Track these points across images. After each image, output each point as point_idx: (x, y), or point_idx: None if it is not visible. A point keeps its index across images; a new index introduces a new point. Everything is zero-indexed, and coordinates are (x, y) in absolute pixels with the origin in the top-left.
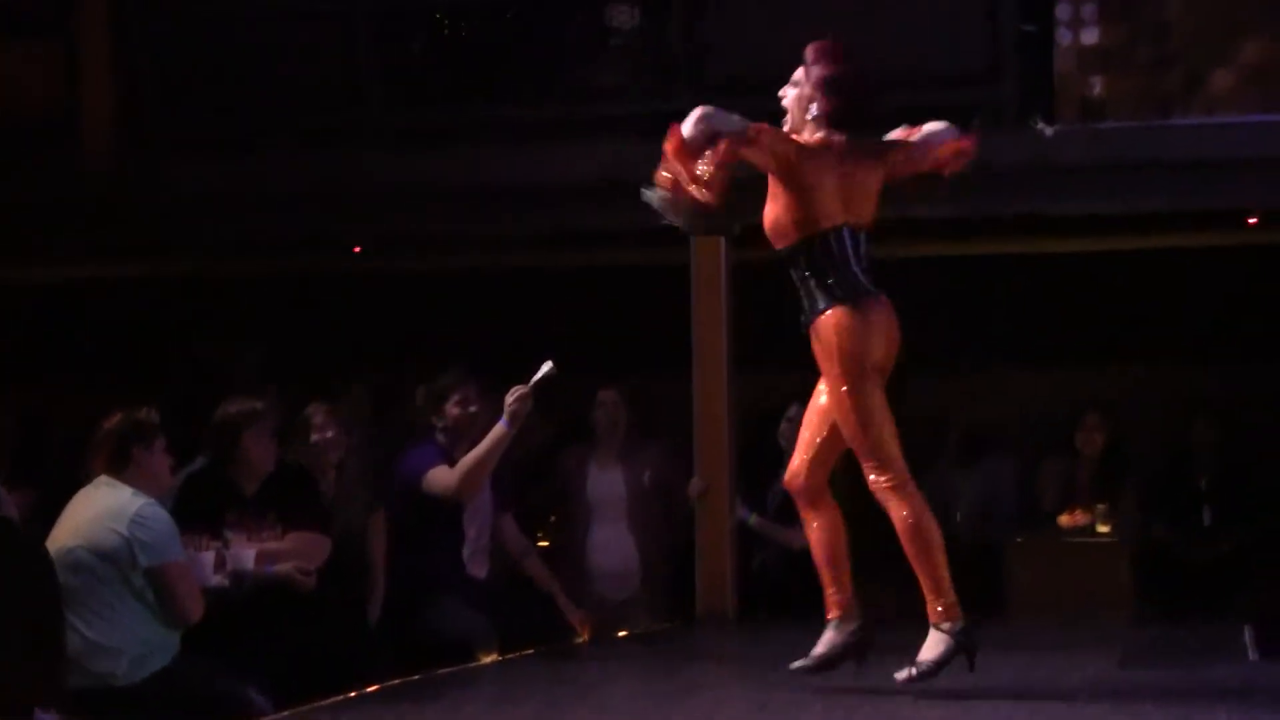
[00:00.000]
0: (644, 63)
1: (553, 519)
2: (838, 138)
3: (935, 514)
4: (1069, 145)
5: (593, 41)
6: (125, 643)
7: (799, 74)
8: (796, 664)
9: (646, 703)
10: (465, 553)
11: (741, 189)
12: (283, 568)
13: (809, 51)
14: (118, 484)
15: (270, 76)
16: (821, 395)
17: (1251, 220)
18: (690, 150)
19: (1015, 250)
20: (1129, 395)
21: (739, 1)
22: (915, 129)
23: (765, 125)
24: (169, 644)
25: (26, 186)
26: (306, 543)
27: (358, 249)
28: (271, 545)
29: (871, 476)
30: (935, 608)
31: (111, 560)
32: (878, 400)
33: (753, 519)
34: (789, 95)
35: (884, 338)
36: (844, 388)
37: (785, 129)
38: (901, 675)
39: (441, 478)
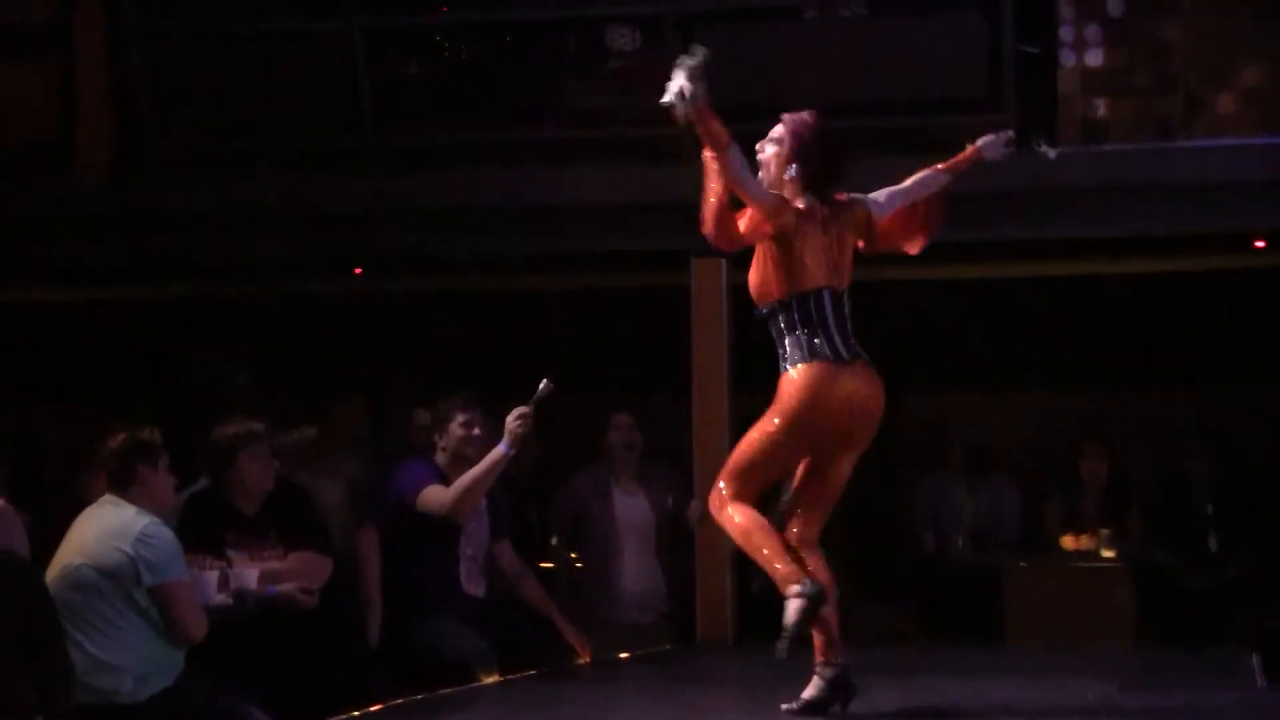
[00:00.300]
0: (641, 86)
1: (554, 541)
2: (818, 203)
3: (931, 530)
4: (1071, 167)
5: (591, 64)
6: (129, 660)
7: (778, 131)
8: (785, 706)
9: None
10: (462, 572)
11: None
12: (285, 587)
13: (787, 117)
14: (122, 503)
15: (267, 97)
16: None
17: (1260, 244)
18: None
19: (1016, 273)
20: (1131, 419)
21: (737, 27)
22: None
23: (781, 200)
24: (173, 662)
25: (22, 206)
26: (308, 562)
27: (359, 270)
28: (274, 565)
29: (720, 484)
30: (785, 572)
31: (116, 578)
32: (784, 455)
33: None
34: (767, 151)
35: (846, 407)
36: (770, 427)
37: (763, 181)
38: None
39: (436, 496)
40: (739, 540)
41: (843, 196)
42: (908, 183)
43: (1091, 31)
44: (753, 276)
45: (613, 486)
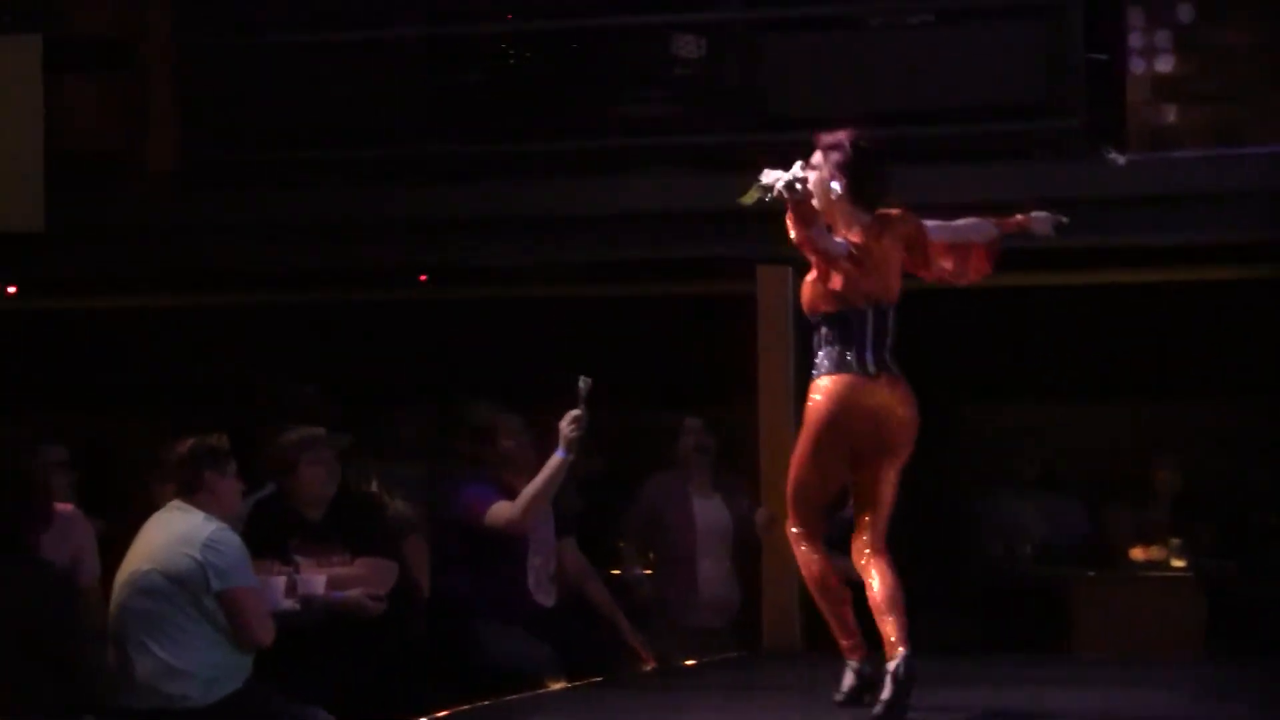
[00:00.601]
0: (704, 94)
1: (621, 545)
2: (865, 218)
3: (997, 544)
4: (1140, 175)
5: (653, 72)
6: (197, 665)
7: (817, 157)
8: (836, 698)
9: None
10: (530, 581)
11: None
12: (352, 593)
13: (821, 138)
14: (190, 508)
15: (329, 107)
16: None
17: None
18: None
19: (1084, 282)
20: (1201, 430)
21: (803, 35)
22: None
23: (848, 249)
24: (240, 667)
25: (88, 215)
26: (375, 568)
27: (423, 278)
28: (341, 570)
29: (788, 514)
30: (844, 644)
31: (184, 584)
32: (818, 469)
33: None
34: (810, 178)
35: (868, 420)
36: (800, 444)
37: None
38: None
39: (504, 512)
40: (808, 583)
41: (895, 211)
42: (958, 222)
43: (1161, 38)
44: (805, 289)
45: (690, 491)
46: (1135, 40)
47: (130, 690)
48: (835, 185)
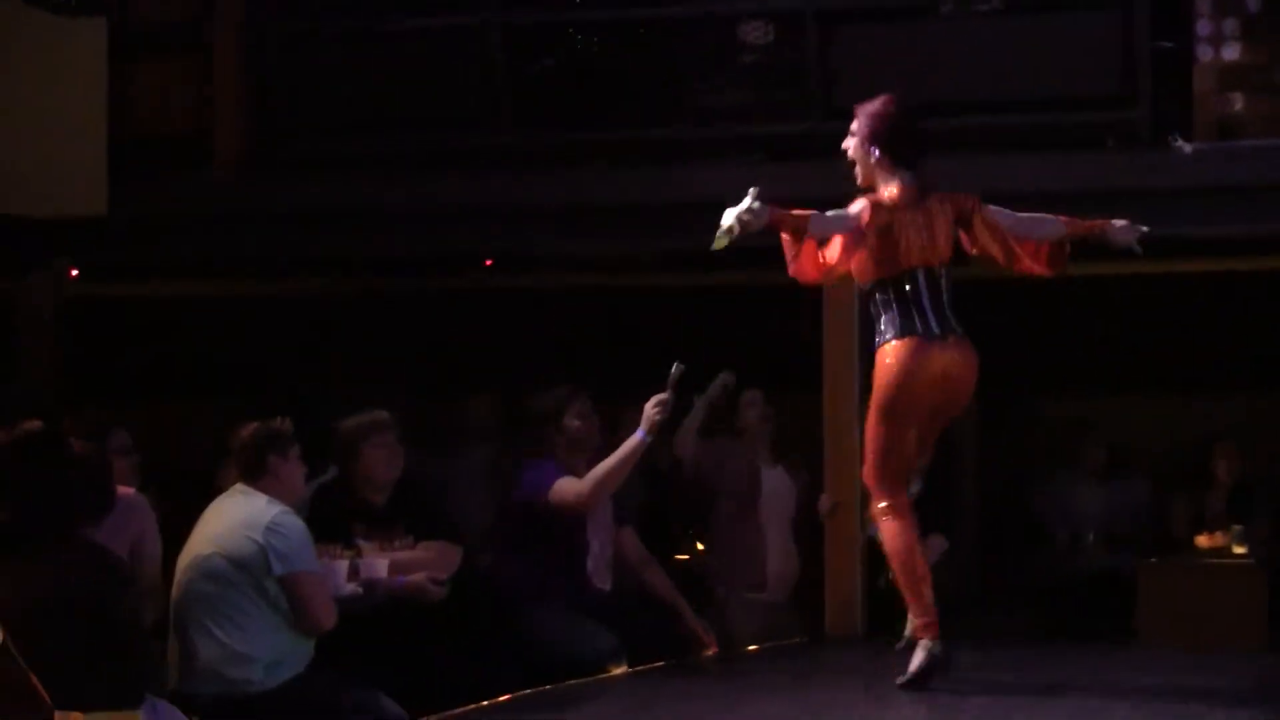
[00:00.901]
0: (774, 82)
1: (690, 532)
2: (910, 182)
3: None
4: (1207, 164)
5: (723, 60)
6: (260, 649)
7: (855, 124)
8: (899, 680)
9: (779, 719)
10: (589, 566)
11: None
12: (415, 578)
13: (858, 108)
14: (253, 492)
15: (399, 94)
16: None
17: None
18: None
19: (1151, 271)
20: (1263, 420)
21: (873, 22)
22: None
23: (864, 207)
24: (303, 651)
25: (158, 201)
26: (438, 552)
27: (489, 262)
28: (403, 555)
29: (873, 498)
30: (917, 623)
31: (246, 568)
32: (896, 435)
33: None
34: (851, 145)
35: (937, 382)
36: (873, 413)
37: (858, 178)
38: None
39: (571, 487)
40: (892, 558)
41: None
42: (1026, 215)
43: (1229, 26)
44: (854, 264)
45: (755, 461)
46: (1202, 29)
47: (192, 675)
48: (875, 151)
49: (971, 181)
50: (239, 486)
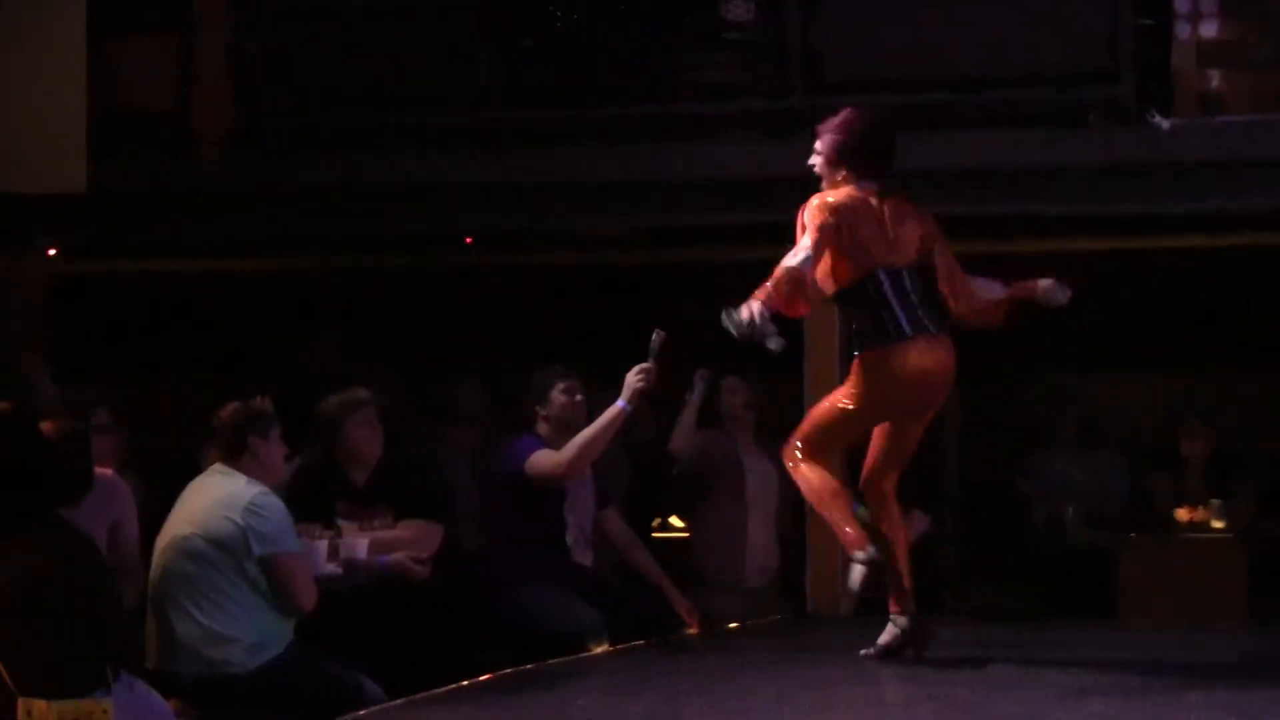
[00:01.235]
0: (758, 59)
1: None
2: (871, 188)
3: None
4: (1185, 140)
5: (706, 37)
6: (240, 630)
7: (818, 143)
8: (863, 651)
9: (762, 696)
10: (570, 541)
11: None
12: (395, 557)
13: (821, 127)
14: (233, 472)
15: (384, 71)
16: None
17: None
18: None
19: (1129, 247)
20: (1244, 396)
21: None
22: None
23: (817, 221)
24: (283, 632)
25: (141, 178)
26: (419, 531)
27: (469, 240)
28: (384, 534)
29: (796, 442)
30: (850, 535)
31: (226, 548)
32: (850, 430)
33: (861, 512)
34: (817, 163)
35: (913, 383)
36: (844, 399)
37: (825, 191)
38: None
39: (548, 457)
40: (810, 498)
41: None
42: (967, 276)
43: (1206, 3)
44: (818, 278)
45: (739, 448)
46: (1181, 5)
47: (172, 655)
48: (840, 171)
49: (955, 157)
50: (218, 466)
